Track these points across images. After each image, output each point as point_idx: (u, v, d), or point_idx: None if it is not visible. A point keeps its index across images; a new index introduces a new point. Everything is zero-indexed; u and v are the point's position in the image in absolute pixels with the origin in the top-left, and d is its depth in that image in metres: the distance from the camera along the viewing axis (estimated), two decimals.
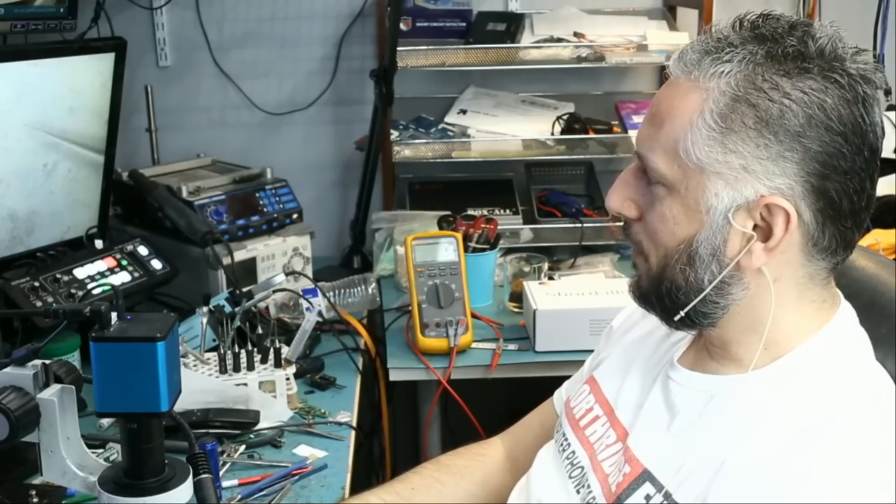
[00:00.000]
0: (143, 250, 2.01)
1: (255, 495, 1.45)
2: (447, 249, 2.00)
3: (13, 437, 0.94)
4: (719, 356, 1.02)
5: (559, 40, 2.46)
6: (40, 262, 1.87)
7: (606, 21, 2.54)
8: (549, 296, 1.98)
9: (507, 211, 2.52)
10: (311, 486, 1.49)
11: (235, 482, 1.47)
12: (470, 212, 2.37)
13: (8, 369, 0.97)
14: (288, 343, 1.75)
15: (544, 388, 1.39)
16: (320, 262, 2.40)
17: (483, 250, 2.17)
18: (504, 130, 2.51)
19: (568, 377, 1.35)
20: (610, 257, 2.41)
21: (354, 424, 1.70)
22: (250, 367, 1.68)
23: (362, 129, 2.52)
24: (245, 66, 2.59)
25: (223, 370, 1.67)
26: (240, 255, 2.07)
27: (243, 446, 1.57)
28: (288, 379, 1.69)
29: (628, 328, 1.23)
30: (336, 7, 2.57)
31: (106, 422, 1.57)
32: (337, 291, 2.17)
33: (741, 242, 0.94)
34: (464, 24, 2.53)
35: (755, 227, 0.93)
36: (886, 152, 2.16)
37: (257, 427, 1.60)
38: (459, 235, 2.04)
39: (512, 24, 2.49)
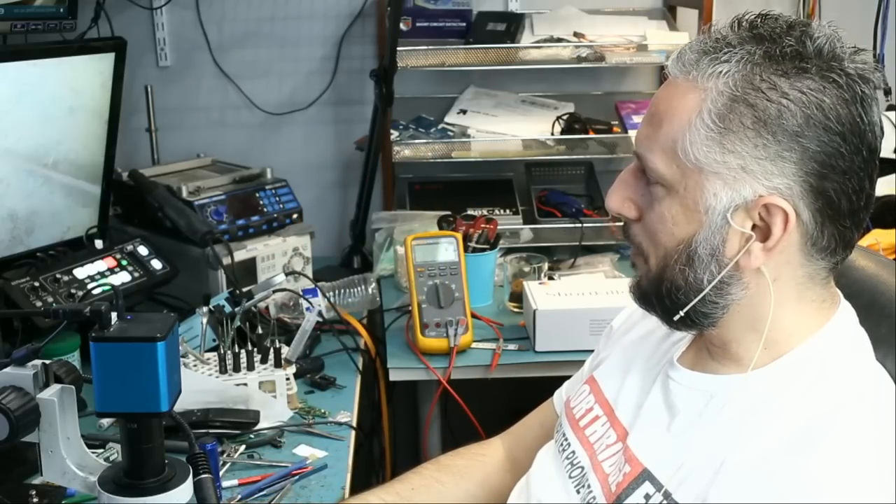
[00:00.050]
0: (143, 250, 2.02)
1: (255, 495, 1.45)
2: (447, 249, 2.00)
3: (13, 437, 0.94)
4: (719, 356, 1.02)
5: (559, 40, 2.46)
6: (40, 262, 1.87)
7: (606, 21, 2.54)
8: (549, 296, 1.98)
9: (507, 211, 2.52)
10: (311, 486, 1.49)
11: (235, 482, 1.47)
12: (470, 212, 2.37)
13: (8, 369, 0.97)
14: (288, 343, 1.75)
15: (544, 388, 1.39)
16: (320, 262, 2.40)
17: (483, 250, 2.17)
18: (504, 130, 2.51)
19: (568, 377, 1.35)
20: (610, 257, 2.41)
21: (354, 424, 1.70)
22: (250, 367, 1.68)
23: (362, 129, 2.52)
24: (245, 66, 2.59)
25: (223, 370, 1.67)
26: (240, 255, 2.07)
27: (243, 446, 1.58)
28: (288, 379, 1.70)
29: (628, 328, 1.23)
30: (336, 7, 2.57)
31: (106, 422, 1.57)
32: (337, 291, 2.17)
33: (740, 242, 0.94)
34: (464, 24, 2.53)
35: (754, 227, 0.93)
36: (886, 152, 2.15)
37: (257, 427, 1.60)
38: (459, 235, 2.04)
39: (512, 24, 2.49)
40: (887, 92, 2.24)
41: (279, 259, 2.16)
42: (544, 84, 2.63)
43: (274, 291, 1.91)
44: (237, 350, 1.67)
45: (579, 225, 2.44)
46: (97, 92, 2.03)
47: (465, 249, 2.05)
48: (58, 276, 1.84)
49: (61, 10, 2.04)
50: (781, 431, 0.91)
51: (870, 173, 0.93)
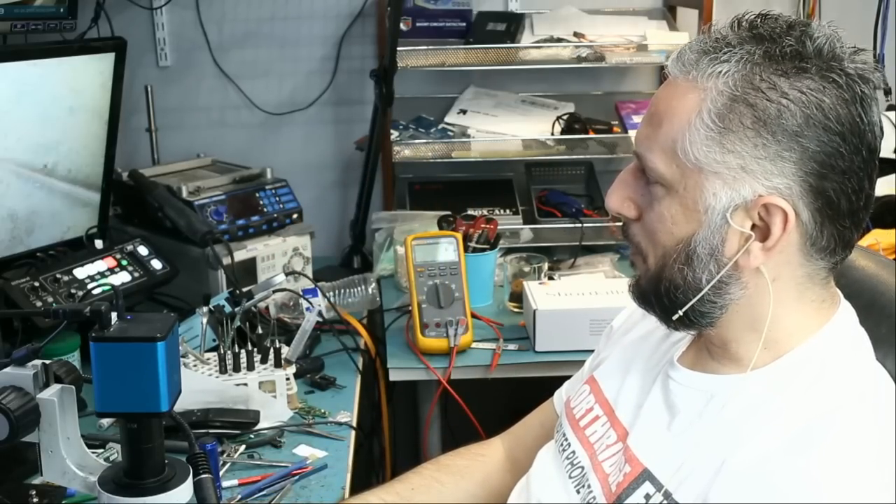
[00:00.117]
0: (143, 250, 2.02)
1: (255, 495, 1.45)
2: (447, 249, 2.00)
3: (13, 437, 0.94)
4: (719, 356, 1.02)
5: (559, 40, 2.46)
6: (40, 262, 1.87)
7: (606, 21, 2.54)
8: (549, 296, 1.98)
9: (507, 211, 2.52)
10: (311, 486, 1.49)
11: (235, 482, 1.47)
12: (470, 212, 2.37)
13: (8, 369, 0.97)
14: (288, 343, 1.75)
15: (544, 388, 1.39)
16: (320, 262, 2.40)
17: (483, 250, 2.17)
18: (504, 130, 2.51)
19: (568, 377, 1.35)
20: (610, 257, 2.41)
21: (354, 424, 1.70)
22: (250, 367, 1.68)
23: (362, 129, 2.52)
24: (245, 66, 2.59)
25: (223, 370, 1.67)
26: (240, 255, 2.07)
27: (243, 446, 1.58)
28: (288, 379, 1.70)
29: (628, 328, 1.23)
30: (336, 7, 2.57)
31: (106, 422, 1.57)
32: (337, 291, 2.17)
33: (739, 242, 0.94)
34: (464, 24, 2.53)
35: (753, 226, 0.93)
36: (886, 152, 2.15)
37: (257, 427, 1.60)
38: (459, 235, 2.04)
39: (512, 24, 2.49)
40: (887, 92, 2.24)
41: (279, 259, 2.16)
42: (544, 84, 2.63)
43: (274, 291, 1.91)
44: (237, 350, 1.67)
45: (579, 225, 2.44)
46: (97, 92, 2.03)
47: (465, 249, 2.05)
48: (58, 276, 1.84)
49: (61, 10, 2.04)
50: (781, 431, 0.91)
51: (869, 173, 0.93)
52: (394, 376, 1.96)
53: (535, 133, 2.51)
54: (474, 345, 1.98)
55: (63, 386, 0.99)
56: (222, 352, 1.67)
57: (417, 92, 2.59)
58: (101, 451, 1.52)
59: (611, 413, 1.12)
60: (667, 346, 1.12)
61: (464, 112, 2.57)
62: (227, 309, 1.77)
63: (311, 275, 2.19)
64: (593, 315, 1.88)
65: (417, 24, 2.50)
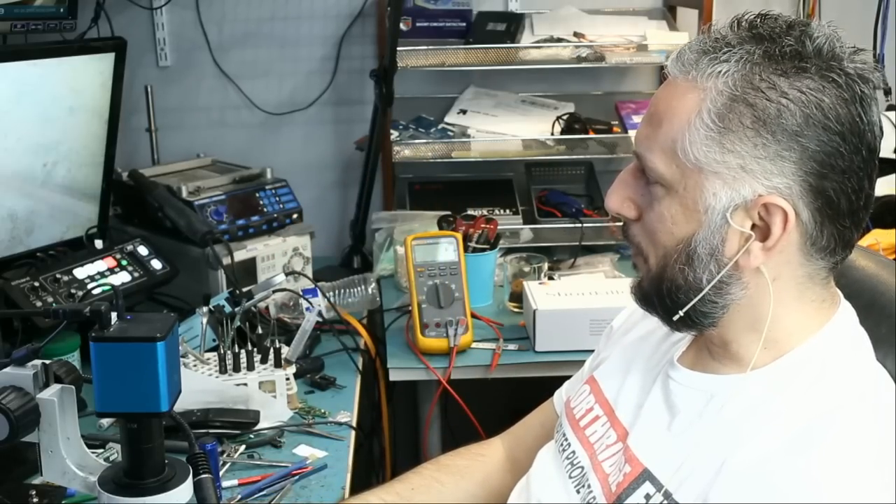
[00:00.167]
0: (143, 250, 2.02)
1: (255, 495, 1.45)
2: (447, 249, 2.00)
3: (13, 437, 0.94)
4: (719, 356, 1.02)
5: (559, 40, 2.46)
6: (40, 262, 1.87)
7: (606, 21, 2.54)
8: (549, 296, 1.98)
9: (507, 211, 2.52)
10: (311, 486, 1.49)
11: (235, 482, 1.47)
12: (470, 212, 2.37)
13: (8, 369, 0.97)
14: (288, 343, 1.75)
15: (544, 388, 1.39)
16: (320, 262, 2.40)
17: (483, 250, 2.17)
18: (504, 130, 2.51)
19: (568, 377, 1.35)
20: (610, 257, 2.41)
21: (354, 424, 1.70)
22: (250, 367, 1.68)
23: (362, 129, 2.52)
24: (245, 66, 2.59)
25: (223, 370, 1.67)
26: (240, 255, 2.07)
27: (243, 446, 1.58)
28: (288, 379, 1.70)
29: (629, 328, 1.23)
30: (336, 7, 2.57)
31: (106, 422, 1.57)
32: (337, 291, 2.17)
33: (739, 242, 0.94)
34: (464, 24, 2.53)
35: (753, 226, 0.93)
36: (886, 152, 2.16)
37: (257, 427, 1.60)
38: (459, 235, 2.04)
39: (512, 24, 2.49)
40: (887, 92, 2.24)
41: (279, 259, 2.16)
42: (544, 84, 2.63)
43: (274, 291, 1.91)
44: (237, 350, 1.67)
45: (579, 225, 2.44)
46: (97, 92, 2.03)
47: (465, 249, 2.05)
48: (58, 276, 1.84)
49: (61, 10, 2.04)
50: (781, 431, 0.91)
51: (869, 173, 0.93)
52: (394, 376, 1.96)
53: (535, 133, 2.51)
54: (474, 345, 1.98)
55: (63, 386, 0.99)
56: (222, 352, 1.67)
57: (417, 92, 2.59)
58: (101, 451, 1.52)
59: (611, 413, 1.12)
60: (667, 346, 1.12)
61: (464, 112, 2.57)
62: (227, 309, 1.77)
63: (311, 275, 2.19)
64: (593, 315, 1.88)
65: (417, 24, 2.50)
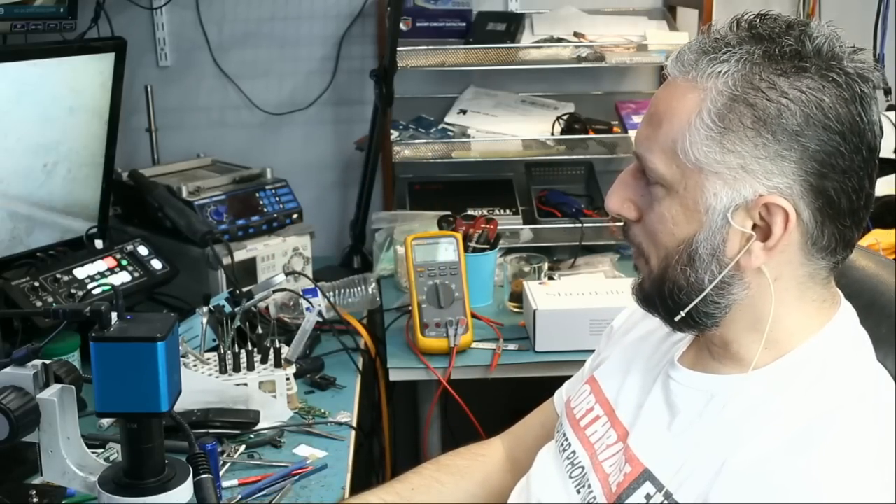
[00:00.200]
0: (143, 250, 2.02)
1: (255, 495, 1.45)
2: (447, 249, 2.00)
3: (13, 437, 0.94)
4: (720, 356, 1.02)
5: (559, 40, 2.46)
6: (40, 262, 1.87)
7: (606, 21, 2.54)
8: (549, 296, 1.98)
9: (507, 211, 2.52)
10: (311, 486, 1.49)
11: (235, 482, 1.47)
12: (470, 212, 2.37)
13: (8, 369, 0.97)
14: (288, 343, 1.75)
15: (544, 388, 1.39)
16: (320, 262, 2.40)
17: (483, 250, 2.17)
18: (504, 130, 2.51)
19: (568, 377, 1.35)
20: (610, 257, 2.41)
21: (354, 424, 1.70)
22: (250, 367, 1.68)
23: (362, 129, 2.52)
24: (245, 66, 2.59)
25: (223, 370, 1.67)
26: (240, 255, 2.07)
27: (243, 446, 1.57)
28: (288, 379, 1.69)
29: (629, 328, 1.23)
30: (336, 7, 2.57)
31: (106, 422, 1.57)
32: (337, 291, 2.17)
33: (740, 242, 0.94)
34: (464, 24, 2.53)
35: (754, 226, 0.93)
36: (886, 152, 2.16)
37: (257, 427, 1.60)
38: (459, 235, 2.04)
39: (512, 24, 2.49)
40: (887, 92, 2.24)
41: (279, 259, 2.16)
42: (544, 84, 2.63)
43: (274, 291, 1.91)
44: (237, 350, 1.67)
45: (579, 225, 2.44)
46: (97, 92, 2.03)
47: (465, 249, 2.05)
48: (58, 276, 1.84)
49: (61, 10, 2.04)
50: (782, 431, 0.91)
51: (869, 172, 0.93)
52: (394, 376, 1.96)
53: (535, 133, 2.51)
54: (474, 345, 1.98)
55: (63, 386, 0.99)
56: (222, 352, 1.67)
57: (417, 92, 2.59)
58: (101, 451, 1.52)
59: (611, 413, 1.12)
60: (667, 346, 1.12)
61: (464, 112, 2.57)
62: (227, 309, 1.77)
63: (311, 275, 2.19)
64: (593, 315, 1.88)
65: (417, 24, 2.50)
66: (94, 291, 1.86)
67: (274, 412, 1.65)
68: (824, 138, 0.89)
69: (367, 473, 2.29)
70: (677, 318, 0.99)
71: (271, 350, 1.70)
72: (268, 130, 2.63)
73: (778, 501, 0.86)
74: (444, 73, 2.54)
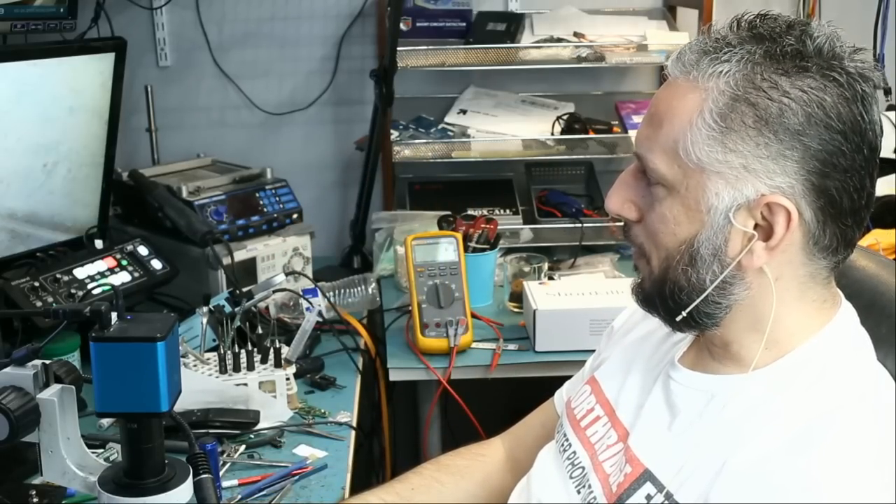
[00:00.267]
0: (143, 250, 2.02)
1: (255, 495, 1.45)
2: (447, 249, 2.00)
3: (13, 437, 0.94)
4: (720, 356, 1.02)
5: (559, 40, 2.46)
6: (40, 262, 1.87)
7: (606, 21, 2.54)
8: (549, 296, 1.98)
9: (507, 211, 2.52)
10: (311, 486, 1.49)
11: (235, 482, 1.47)
12: (470, 212, 2.37)
13: (8, 369, 0.97)
14: (288, 343, 1.75)
15: (544, 388, 1.39)
16: (320, 262, 2.40)
17: (483, 250, 2.17)
18: (504, 130, 2.51)
19: (568, 377, 1.35)
20: (610, 257, 2.41)
21: (354, 424, 1.70)
22: (250, 367, 1.68)
23: (362, 129, 2.52)
24: (245, 66, 2.59)
25: (223, 370, 1.67)
26: (240, 255, 2.07)
27: (243, 446, 1.57)
28: (288, 379, 1.69)
29: (629, 328, 1.23)
30: (336, 7, 2.57)
31: (106, 422, 1.57)
32: (337, 291, 2.17)
33: (742, 242, 0.94)
34: (464, 24, 2.53)
35: (756, 226, 0.93)
36: (886, 152, 2.16)
37: (257, 427, 1.60)
38: (459, 235, 2.04)
39: (512, 24, 2.49)
40: (887, 92, 2.24)
41: (279, 259, 2.16)
42: (544, 84, 2.63)
43: (274, 291, 1.90)
44: (237, 350, 1.67)
45: (579, 225, 2.44)
46: (97, 92, 2.03)
47: (465, 249, 2.05)
48: (58, 276, 1.84)
49: (61, 10, 2.04)
50: (782, 431, 0.91)
51: (870, 171, 0.93)
52: (394, 376, 1.96)
53: (535, 133, 2.51)
54: (474, 345, 1.98)
55: (63, 386, 0.99)
56: (222, 352, 1.67)
57: (417, 92, 2.59)
58: (101, 451, 1.52)
59: (611, 413, 1.12)
60: (668, 346, 1.12)
61: (464, 112, 2.57)
62: (227, 309, 1.77)
63: (311, 275, 2.19)
64: (593, 315, 1.88)
65: (417, 24, 2.50)
66: (94, 291, 1.86)
67: (274, 412, 1.65)
68: (826, 137, 0.89)
69: (367, 473, 2.29)
70: (678, 319, 0.99)
71: (271, 350, 1.70)
72: (268, 130, 2.63)
73: (778, 501, 0.86)
74: (444, 73, 2.54)
